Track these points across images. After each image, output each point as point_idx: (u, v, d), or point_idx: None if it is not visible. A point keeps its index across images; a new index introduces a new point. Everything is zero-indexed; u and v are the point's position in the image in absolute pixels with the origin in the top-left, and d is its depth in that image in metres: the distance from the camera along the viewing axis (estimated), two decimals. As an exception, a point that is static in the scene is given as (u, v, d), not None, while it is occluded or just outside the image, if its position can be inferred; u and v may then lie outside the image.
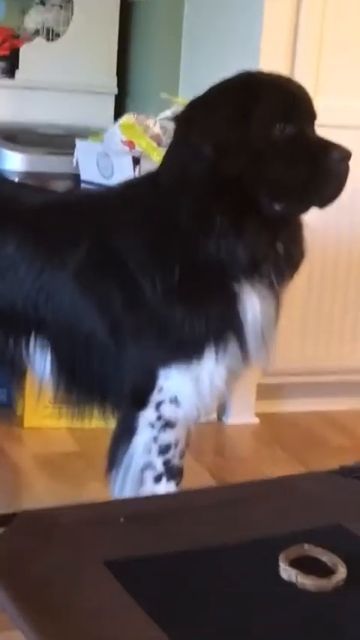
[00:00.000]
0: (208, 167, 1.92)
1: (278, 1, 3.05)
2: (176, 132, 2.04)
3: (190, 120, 1.99)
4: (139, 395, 2.06)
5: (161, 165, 2.09)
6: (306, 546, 1.33)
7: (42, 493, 2.66)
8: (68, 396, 2.17)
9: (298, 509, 1.51)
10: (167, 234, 2.00)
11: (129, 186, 2.19)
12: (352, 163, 3.23)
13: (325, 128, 3.14)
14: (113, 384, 2.10)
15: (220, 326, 2.00)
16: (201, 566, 1.31)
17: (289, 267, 2.05)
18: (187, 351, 2.00)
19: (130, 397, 2.08)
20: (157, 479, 2.07)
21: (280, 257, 2.01)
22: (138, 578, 1.26)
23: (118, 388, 2.10)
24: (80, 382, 2.14)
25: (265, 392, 3.34)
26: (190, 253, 1.97)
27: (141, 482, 2.08)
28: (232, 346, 2.02)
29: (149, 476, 2.07)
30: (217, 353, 2.00)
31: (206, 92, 2.00)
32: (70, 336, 2.09)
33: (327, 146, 1.96)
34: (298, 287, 3.25)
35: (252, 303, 2.01)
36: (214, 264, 1.96)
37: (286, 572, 1.28)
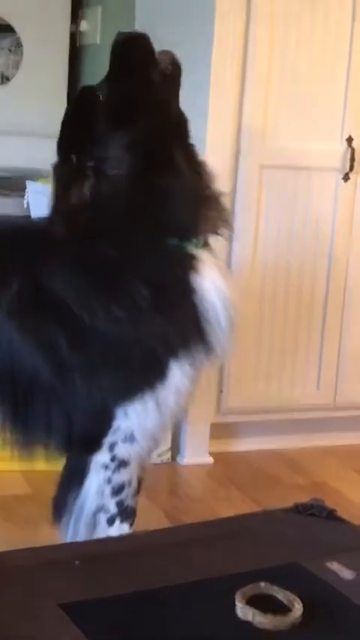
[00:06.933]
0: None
1: (226, 45, 3.08)
2: None
3: None
4: (92, 439, 2.02)
5: None
6: (262, 584, 1.33)
7: (-5, 537, 2.64)
8: (13, 437, 2.12)
9: (253, 548, 1.51)
10: (96, 262, 1.97)
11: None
12: (299, 202, 3.30)
13: (272, 169, 3.21)
14: (59, 425, 2.05)
15: (186, 326, 1.96)
16: (157, 607, 1.30)
17: (220, 212, 2.07)
18: (151, 376, 1.96)
19: (82, 442, 2.04)
20: (111, 521, 2.03)
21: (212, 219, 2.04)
22: (94, 620, 1.25)
23: (64, 430, 2.04)
24: (24, 423, 2.08)
25: (218, 431, 3.34)
26: (126, 271, 1.95)
27: (94, 525, 2.04)
28: (198, 345, 1.98)
29: (102, 518, 2.03)
30: (181, 363, 1.97)
31: None
32: (11, 377, 2.04)
33: None
34: (251, 326, 3.28)
35: (212, 279, 1.99)
36: (163, 266, 1.96)
37: (243, 611, 1.27)
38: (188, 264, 1.99)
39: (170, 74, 2.01)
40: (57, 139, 2.01)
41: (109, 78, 2.02)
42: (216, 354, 2.04)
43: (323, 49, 3.22)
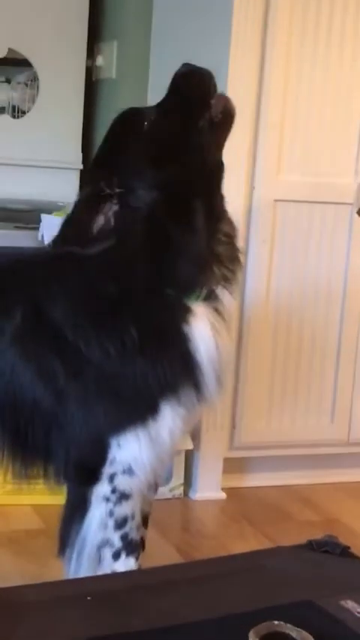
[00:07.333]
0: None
1: (240, 80, 3.10)
2: None
3: None
4: (89, 470, 2.00)
5: None
6: (276, 622, 1.32)
7: (6, 571, 2.62)
8: (13, 466, 2.10)
9: (267, 585, 1.50)
10: (95, 293, 1.98)
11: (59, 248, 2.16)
12: (313, 236, 3.31)
13: (286, 203, 3.22)
14: (58, 454, 2.03)
15: (173, 372, 1.96)
16: (170, 645, 1.29)
17: (230, 271, 2.04)
18: (141, 411, 1.95)
19: (79, 472, 2.02)
20: (116, 555, 2.00)
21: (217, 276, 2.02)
22: (106, 658, 1.24)
23: (64, 459, 2.03)
24: (24, 452, 2.07)
25: (231, 466, 3.33)
26: (120, 309, 1.95)
27: (98, 560, 2.01)
28: (187, 391, 1.98)
29: (107, 553, 2.00)
30: (172, 404, 1.96)
31: None
32: (13, 405, 2.02)
33: None
34: (264, 361, 3.27)
35: (201, 333, 1.98)
36: (156, 312, 1.95)
37: (257, 650, 1.26)
38: (181, 315, 1.98)
39: (219, 122, 1.97)
40: (94, 156, 2.00)
41: (160, 106, 1.99)
42: (207, 400, 2.03)
43: (338, 83, 3.23)
